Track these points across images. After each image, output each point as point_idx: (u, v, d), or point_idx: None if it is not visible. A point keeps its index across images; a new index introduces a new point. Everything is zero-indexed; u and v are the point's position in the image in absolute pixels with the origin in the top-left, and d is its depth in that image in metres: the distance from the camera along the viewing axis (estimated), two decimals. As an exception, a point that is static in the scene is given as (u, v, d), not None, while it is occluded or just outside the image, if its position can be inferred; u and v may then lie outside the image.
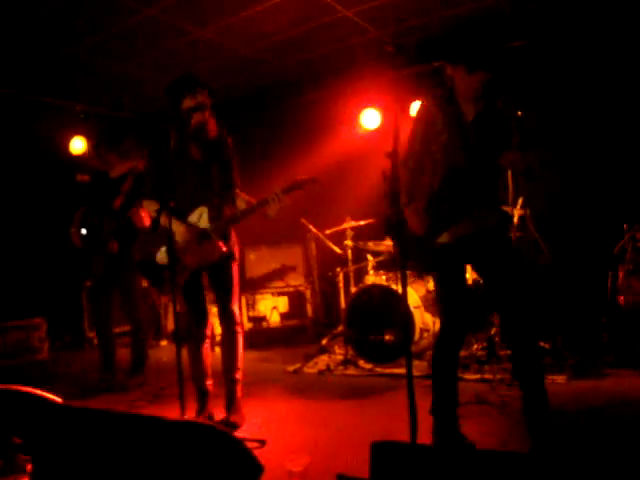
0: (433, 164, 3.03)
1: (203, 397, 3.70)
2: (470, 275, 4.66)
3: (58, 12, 4.99)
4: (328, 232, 5.85)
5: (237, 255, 3.69)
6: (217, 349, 5.44)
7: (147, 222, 4.73)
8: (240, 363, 3.68)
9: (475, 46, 2.93)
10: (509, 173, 4.61)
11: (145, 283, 4.76)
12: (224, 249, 3.50)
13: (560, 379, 4.11)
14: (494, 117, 2.98)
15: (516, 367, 3.20)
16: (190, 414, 3.45)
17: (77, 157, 6.91)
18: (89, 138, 6.69)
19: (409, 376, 2.08)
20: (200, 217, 3.54)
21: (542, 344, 4.75)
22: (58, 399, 2.51)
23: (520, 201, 4.85)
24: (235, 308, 3.67)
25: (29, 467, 2.25)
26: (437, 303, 3.17)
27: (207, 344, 3.74)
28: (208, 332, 3.74)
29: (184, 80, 3.59)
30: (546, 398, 2.90)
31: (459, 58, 2.92)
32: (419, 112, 3.11)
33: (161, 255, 3.59)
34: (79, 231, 4.90)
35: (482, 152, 2.94)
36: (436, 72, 3.18)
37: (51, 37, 5.47)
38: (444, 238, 2.95)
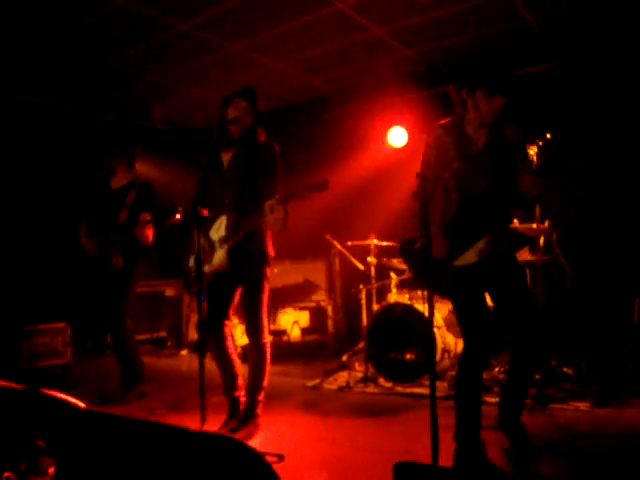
0: (445, 190, 3.08)
1: (232, 407, 3.71)
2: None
3: (94, 27, 5.13)
4: (350, 244, 5.85)
5: (264, 271, 3.68)
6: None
7: (150, 238, 4.79)
8: (265, 382, 3.69)
9: (494, 71, 3.00)
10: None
11: (170, 292, 4.72)
12: (223, 263, 3.55)
13: (583, 406, 4.05)
14: (503, 144, 3.04)
15: (513, 371, 3.22)
16: (210, 425, 3.46)
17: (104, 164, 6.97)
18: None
19: (432, 397, 2.07)
20: (220, 226, 3.62)
21: (566, 370, 4.69)
22: (81, 404, 2.54)
23: (546, 224, 4.82)
24: (262, 321, 3.66)
25: (52, 470, 2.27)
26: (458, 325, 3.17)
27: (232, 353, 3.75)
28: (225, 341, 3.73)
29: (237, 90, 3.68)
30: (522, 406, 3.21)
31: (479, 82, 2.99)
32: (430, 139, 3.16)
33: (191, 261, 3.71)
34: (91, 241, 4.80)
35: (493, 178, 2.98)
36: (447, 98, 3.22)
37: (87, 51, 5.61)
38: (461, 261, 2.97)
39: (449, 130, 3.11)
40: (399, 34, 5.42)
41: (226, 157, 3.72)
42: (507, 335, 4.04)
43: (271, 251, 3.70)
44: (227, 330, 3.74)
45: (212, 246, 3.66)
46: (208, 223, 3.70)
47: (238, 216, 3.53)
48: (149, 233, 4.76)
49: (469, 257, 2.95)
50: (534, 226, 4.71)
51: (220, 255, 3.58)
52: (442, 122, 3.17)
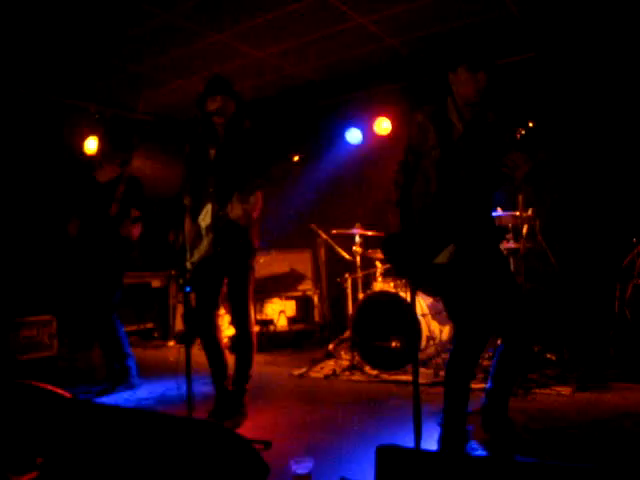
0: (426, 181, 3.00)
1: (219, 396, 3.73)
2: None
3: (75, 14, 5.08)
4: (335, 232, 5.90)
5: (250, 262, 3.72)
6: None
7: (137, 234, 4.78)
8: (252, 371, 3.73)
9: (475, 47, 2.95)
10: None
11: (157, 283, 4.67)
12: (209, 251, 3.60)
13: (565, 391, 4.12)
14: (484, 126, 2.98)
15: (501, 363, 3.06)
16: (198, 414, 3.49)
17: (92, 157, 6.94)
18: (102, 138, 6.50)
19: (415, 383, 2.11)
20: (206, 214, 3.66)
21: (549, 355, 4.77)
22: (67, 394, 2.56)
23: (530, 212, 4.87)
24: (248, 311, 3.69)
25: (39, 460, 2.28)
26: (449, 318, 3.14)
27: (220, 343, 3.77)
28: (214, 331, 3.75)
29: (210, 82, 3.68)
30: (508, 399, 3.06)
31: (460, 59, 2.93)
32: (411, 127, 3.07)
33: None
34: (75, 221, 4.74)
35: (473, 165, 2.90)
36: (429, 87, 3.15)
37: (69, 38, 5.56)
38: (441, 258, 2.89)
39: (431, 117, 3.02)
40: (382, 23, 5.43)
41: (212, 149, 3.73)
42: (492, 324, 3.99)
43: (255, 242, 3.72)
44: (215, 320, 3.76)
45: (199, 234, 3.69)
46: (196, 211, 3.73)
47: (220, 205, 3.57)
48: (134, 231, 4.74)
49: (443, 257, 2.88)
50: (517, 214, 4.78)
51: (205, 243, 3.62)
52: (425, 108, 3.07)
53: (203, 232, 3.64)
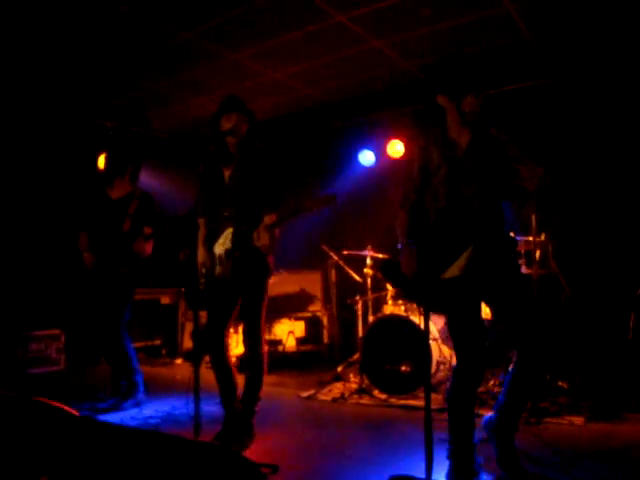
0: (434, 198, 3.02)
1: (227, 417, 3.69)
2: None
3: (95, 34, 5.14)
4: (346, 253, 5.89)
5: (266, 282, 3.71)
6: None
7: (149, 251, 4.80)
8: (260, 393, 3.70)
9: (464, 71, 2.97)
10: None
11: (166, 300, 4.66)
12: (227, 276, 3.58)
13: (577, 420, 4.04)
14: (489, 144, 2.97)
15: (516, 376, 2.96)
16: (205, 434, 3.45)
17: (103, 172, 6.94)
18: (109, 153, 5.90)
19: (427, 411, 2.06)
20: (226, 239, 3.62)
21: (560, 383, 4.69)
22: (74, 412, 2.54)
23: (542, 237, 4.84)
24: (261, 332, 3.67)
25: (43, 478, 2.26)
26: (451, 339, 3.11)
27: (229, 363, 3.74)
28: (224, 350, 3.71)
29: (226, 101, 3.71)
30: (517, 425, 2.97)
31: (448, 84, 2.98)
32: (415, 152, 3.15)
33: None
34: (91, 255, 4.75)
35: (482, 180, 2.90)
36: (431, 110, 3.20)
37: (86, 56, 5.63)
38: (450, 272, 2.86)
39: (434, 138, 3.09)
40: (398, 47, 5.46)
41: (227, 171, 3.73)
42: (504, 348, 3.92)
43: (272, 262, 3.72)
44: (226, 340, 3.73)
45: (214, 257, 3.66)
46: (211, 233, 3.73)
47: (243, 230, 3.57)
48: (147, 248, 4.76)
49: (454, 270, 2.85)
50: (530, 239, 4.74)
51: (226, 267, 3.59)
52: (429, 131, 3.15)
53: (222, 256, 3.62)
